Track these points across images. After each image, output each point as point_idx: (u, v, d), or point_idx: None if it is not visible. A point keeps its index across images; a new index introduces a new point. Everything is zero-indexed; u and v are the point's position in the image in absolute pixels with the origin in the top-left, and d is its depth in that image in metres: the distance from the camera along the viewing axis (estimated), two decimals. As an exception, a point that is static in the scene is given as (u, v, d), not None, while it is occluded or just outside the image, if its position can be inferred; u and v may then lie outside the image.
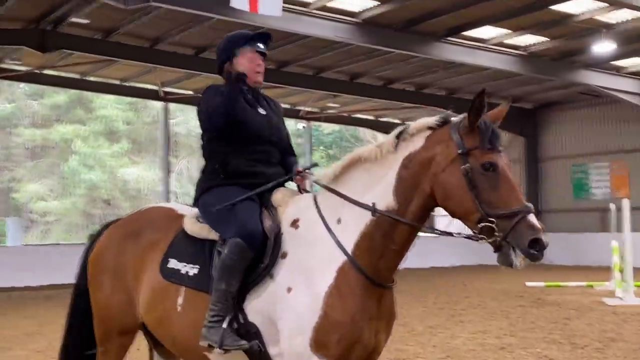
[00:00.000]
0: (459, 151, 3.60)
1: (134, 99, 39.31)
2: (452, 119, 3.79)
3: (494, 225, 3.50)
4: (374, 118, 35.38)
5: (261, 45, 4.34)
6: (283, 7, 14.58)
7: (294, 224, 3.89)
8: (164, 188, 32.98)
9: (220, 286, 3.74)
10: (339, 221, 3.78)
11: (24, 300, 18.17)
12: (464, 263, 28.42)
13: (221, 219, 3.95)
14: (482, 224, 3.54)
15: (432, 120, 3.82)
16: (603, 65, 25.97)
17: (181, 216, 4.32)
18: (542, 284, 19.60)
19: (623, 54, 24.23)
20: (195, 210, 4.25)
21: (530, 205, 3.57)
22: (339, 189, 3.89)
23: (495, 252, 3.60)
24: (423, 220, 3.82)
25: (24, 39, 22.19)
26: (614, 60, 25.34)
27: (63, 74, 28.31)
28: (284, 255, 3.81)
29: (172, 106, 32.64)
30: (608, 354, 9.34)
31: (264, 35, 4.42)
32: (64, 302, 17.54)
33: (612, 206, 18.40)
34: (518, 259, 3.52)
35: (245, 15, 17.31)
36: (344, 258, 3.69)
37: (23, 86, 42.06)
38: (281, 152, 4.37)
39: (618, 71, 27.01)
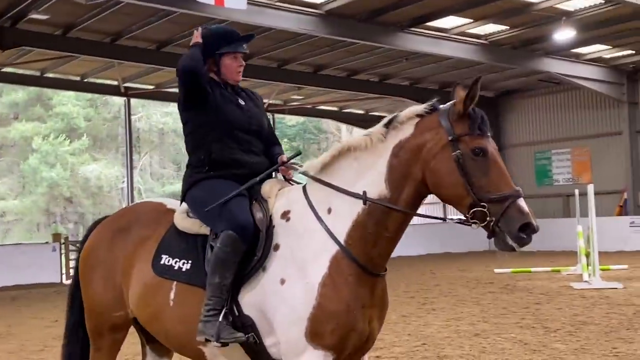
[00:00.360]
0: (450, 138, 3.63)
1: (95, 95, 39.04)
2: (441, 106, 3.80)
3: (486, 210, 3.53)
4: (338, 109, 35.45)
5: (242, 45, 4.40)
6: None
7: (285, 215, 3.90)
8: (128, 184, 32.74)
9: (214, 280, 3.75)
10: (329, 211, 3.79)
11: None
12: (430, 252, 28.69)
13: (212, 214, 3.94)
14: (475, 209, 3.58)
15: (421, 108, 3.82)
16: (563, 52, 26.28)
17: (171, 211, 4.34)
18: (509, 270, 19.75)
19: (582, 41, 24.50)
20: (184, 205, 4.26)
21: (519, 189, 3.62)
22: (328, 179, 3.89)
23: (489, 237, 3.63)
24: (416, 207, 3.85)
25: (-20, 36, 21.91)
26: (573, 47, 25.62)
27: (21, 71, 28.07)
28: (276, 248, 3.82)
29: (134, 102, 32.40)
30: (581, 336, 9.46)
31: (249, 37, 4.51)
32: (30, 302, 17.58)
33: (577, 191, 18.67)
34: (514, 244, 3.54)
35: (208, 9, 17.27)
36: (336, 248, 3.70)
37: (-22, 84, 41.57)
38: (264, 142, 4.39)
39: (578, 58, 27.34)
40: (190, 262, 4.01)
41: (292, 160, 4.29)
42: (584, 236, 16.65)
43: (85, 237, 4.70)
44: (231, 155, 4.18)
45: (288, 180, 4.38)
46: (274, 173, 4.32)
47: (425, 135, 3.71)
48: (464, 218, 3.70)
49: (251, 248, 3.84)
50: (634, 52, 26.74)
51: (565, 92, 30.49)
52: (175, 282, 4.02)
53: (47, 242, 27.12)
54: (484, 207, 3.54)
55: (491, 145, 3.70)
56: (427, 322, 11.05)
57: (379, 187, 3.74)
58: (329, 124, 46.17)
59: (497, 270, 19.95)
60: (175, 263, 4.05)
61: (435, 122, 3.72)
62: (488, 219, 3.54)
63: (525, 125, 32.54)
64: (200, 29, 4.37)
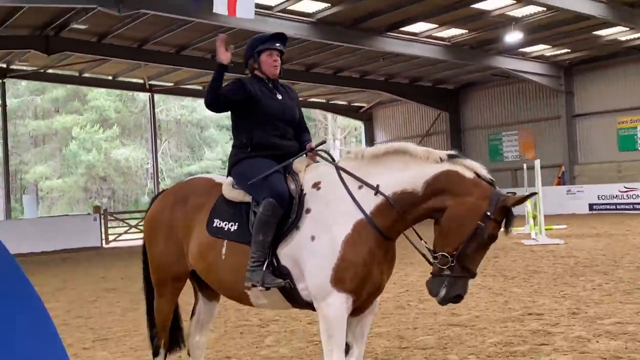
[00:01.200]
0: (487, 213, 3.57)
1: (123, 91, 38.88)
2: (497, 189, 3.71)
3: (450, 263, 3.59)
4: (325, 101, 35.48)
5: (277, 44, 4.30)
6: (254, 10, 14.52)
7: (316, 185, 3.92)
8: (153, 165, 32.76)
9: (258, 238, 3.79)
10: (360, 187, 3.79)
11: (45, 263, 17.98)
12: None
13: (255, 186, 3.97)
14: (446, 256, 3.61)
15: (485, 172, 3.73)
16: (512, 51, 26.36)
17: (219, 184, 4.33)
18: (470, 231, 19.80)
19: (528, 42, 24.63)
20: (230, 179, 4.26)
21: (476, 273, 3.71)
22: (369, 163, 3.88)
23: (431, 274, 3.74)
24: (424, 218, 3.84)
25: (31, 43, 21.85)
26: (521, 47, 25.75)
27: (62, 72, 28.02)
28: (308, 211, 3.84)
29: (157, 97, 32.34)
30: (533, 282, 9.60)
31: (280, 36, 4.36)
32: (78, 263, 17.60)
33: (525, 166, 18.86)
34: (439, 296, 3.65)
35: (220, 18, 17.25)
36: (361, 216, 3.71)
37: (25, 83, 41.27)
38: (295, 129, 4.37)
39: (524, 56, 27.44)
40: (237, 224, 4.02)
41: (317, 148, 4.23)
42: (531, 202, 16.82)
43: (150, 205, 4.70)
44: (269, 139, 4.18)
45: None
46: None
47: (476, 191, 3.63)
48: (430, 259, 3.77)
49: (287, 212, 3.87)
50: (569, 50, 26.82)
51: (513, 84, 30.66)
52: (226, 241, 4.03)
53: (89, 214, 27.18)
54: (452, 262, 3.59)
55: (494, 240, 3.70)
56: (407, 274, 11.09)
57: (414, 185, 3.70)
58: (316, 113, 46.08)
59: (460, 231, 20.09)
60: (225, 225, 4.06)
61: (488, 193, 3.63)
62: (445, 270, 3.60)
63: (481, 112, 32.64)
64: (222, 35, 4.26)
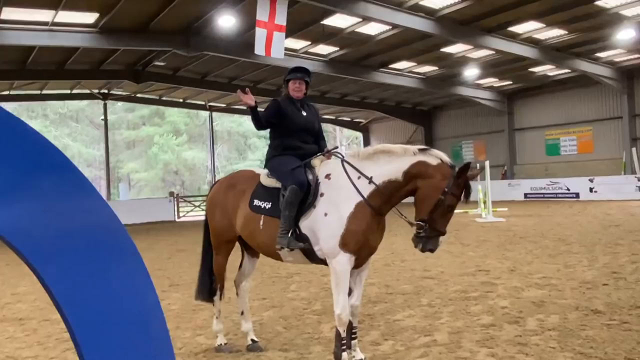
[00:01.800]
0: (446, 189, 3.54)
1: (191, 110, 38.96)
2: (456, 168, 3.63)
3: (424, 226, 3.56)
4: (334, 117, 35.39)
5: (299, 74, 4.27)
6: (284, 52, 14.55)
7: (327, 176, 3.91)
8: (211, 163, 32.93)
9: (285, 213, 3.83)
10: (359, 177, 3.77)
11: (134, 231, 18.06)
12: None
13: (284, 175, 3.98)
14: (420, 222, 3.59)
15: (446, 158, 3.68)
16: (470, 83, 26.20)
17: (258, 175, 4.33)
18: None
19: (482, 75, 24.45)
20: (266, 170, 4.26)
21: (446, 232, 3.64)
22: (364, 160, 3.84)
23: (415, 236, 3.65)
24: (405, 197, 3.77)
25: (125, 75, 21.99)
26: (476, 80, 25.58)
27: (147, 96, 28.18)
28: (322, 195, 3.84)
29: (214, 114, 32.39)
30: (483, 247, 9.63)
31: (302, 69, 4.34)
32: (158, 232, 17.77)
33: (478, 165, 18.75)
34: (419, 248, 3.62)
35: (260, 58, 17.23)
36: (360, 198, 3.70)
37: (121, 104, 41.54)
38: (314, 137, 4.34)
39: (478, 86, 27.24)
40: (270, 203, 4.03)
41: (332, 150, 4.17)
42: (482, 191, 16.79)
43: (210, 190, 4.69)
44: (295, 143, 4.18)
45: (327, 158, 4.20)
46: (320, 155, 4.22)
47: (437, 174, 3.60)
48: (411, 223, 3.68)
49: (306, 195, 3.87)
50: (511, 82, 26.59)
51: (470, 107, 30.25)
52: (262, 215, 4.05)
53: (165, 197, 27.34)
54: (426, 225, 3.56)
55: (455, 207, 3.63)
56: (393, 242, 11.08)
57: (397, 175, 3.68)
58: (328, 126, 45.95)
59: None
60: (262, 204, 4.08)
61: (447, 174, 3.58)
62: (420, 232, 3.58)
63: (447, 127, 32.28)
64: (239, 90, 4.15)
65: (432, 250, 3.63)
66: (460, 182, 3.59)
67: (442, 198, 3.55)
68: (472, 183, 3.73)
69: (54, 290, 1.55)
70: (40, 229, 1.53)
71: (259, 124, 4.17)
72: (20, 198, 1.50)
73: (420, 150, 3.73)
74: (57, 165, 1.59)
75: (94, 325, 1.61)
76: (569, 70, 23.25)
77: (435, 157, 3.68)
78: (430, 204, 3.58)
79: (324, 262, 3.87)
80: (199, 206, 26.33)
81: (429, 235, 3.58)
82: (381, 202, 3.74)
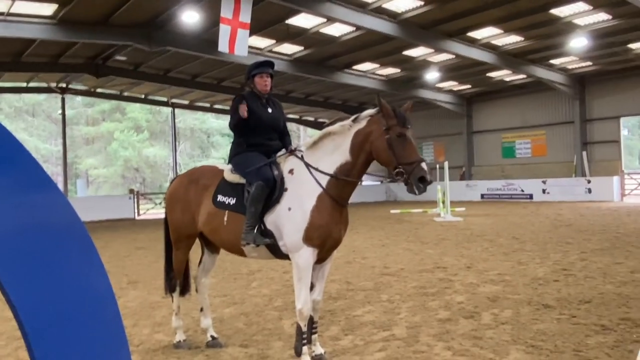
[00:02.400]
0: (384, 128, 3.58)
1: (153, 106, 38.20)
2: (381, 112, 3.67)
3: (402, 170, 3.52)
4: (298, 117, 35.32)
5: (265, 68, 4.20)
6: (247, 49, 14.42)
7: (291, 172, 3.88)
8: (173, 161, 32.34)
9: (251, 209, 3.78)
10: (316, 169, 3.76)
11: (92, 229, 17.53)
12: (351, 202, 28.88)
13: (249, 172, 3.91)
14: (397, 170, 3.54)
15: (372, 111, 3.73)
16: (430, 86, 26.59)
17: (221, 170, 4.27)
18: (398, 211, 20.06)
19: (442, 79, 24.85)
20: (229, 166, 4.18)
21: (422, 158, 3.56)
22: (313, 152, 3.85)
23: (405, 185, 3.59)
24: (365, 168, 3.78)
25: (85, 69, 21.36)
26: (437, 83, 25.98)
27: (108, 91, 27.40)
28: (286, 190, 3.81)
29: (177, 111, 31.78)
30: (441, 245, 9.77)
31: (269, 63, 4.28)
32: (117, 229, 17.33)
33: (437, 166, 19.11)
34: (416, 190, 3.52)
35: (224, 55, 17.07)
36: (320, 190, 3.70)
37: (80, 98, 40.38)
38: (279, 133, 4.28)
39: (439, 90, 27.71)
40: (235, 199, 3.98)
41: (294, 150, 4.03)
42: (441, 191, 17.07)
43: (170, 185, 4.59)
44: (259, 140, 4.13)
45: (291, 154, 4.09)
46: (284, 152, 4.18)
47: (372, 126, 3.65)
48: (393, 178, 3.62)
49: (271, 191, 3.83)
50: (470, 86, 27.16)
51: (430, 110, 30.42)
52: (227, 211, 3.99)
53: (125, 194, 26.69)
54: (400, 168, 3.52)
55: (408, 132, 3.58)
56: (353, 240, 11.16)
57: (345, 156, 3.70)
58: (292, 126, 45.85)
59: (392, 211, 20.26)
60: (226, 199, 4.02)
61: (378, 119, 3.64)
62: (405, 176, 3.52)
63: (408, 128, 32.73)
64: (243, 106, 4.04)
65: (425, 182, 3.48)
66: (389, 113, 3.62)
67: (388, 136, 3.56)
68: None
69: (6, 286, 1.50)
70: None
71: (237, 128, 4.11)
72: None
73: (353, 120, 3.77)
74: (15, 157, 1.54)
75: (46, 322, 1.57)
76: (525, 76, 23.92)
77: (364, 117, 3.74)
78: (385, 150, 3.57)
79: (287, 256, 3.84)
80: (160, 204, 25.83)
81: (409, 172, 3.49)
82: (339, 189, 3.72)
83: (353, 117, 3.81)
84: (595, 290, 5.67)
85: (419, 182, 3.49)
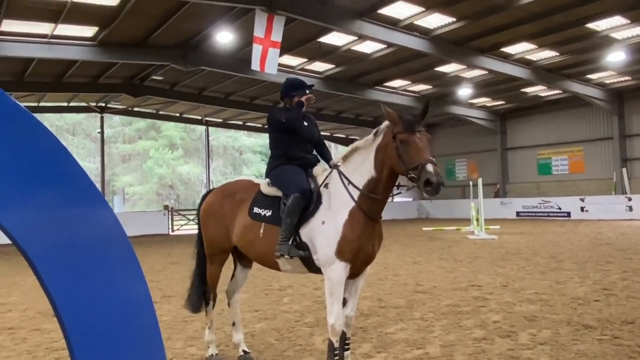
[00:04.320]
0: (391, 136, 3.54)
1: (187, 125, 38.98)
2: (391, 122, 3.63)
3: (414, 175, 3.40)
4: (330, 134, 35.43)
5: (306, 91, 4.28)
6: (277, 68, 14.65)
7: (326, 185, 3.87)
8: (207, 177, 32.85)
9: (287, 221, 3.77)
10: (349, 183, 3.74)
11: (131, 243, 17.97)
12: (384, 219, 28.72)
13: (287, 184, 3.93)
14: (409, 176, 3.45)
15: (388, 122, 3.69)
16: (463, 102, 26.39)
17: (257, 184, 4.29)
18: (431, 228, 19.82)
19: (475, 95, 24.66)
20: (267, 179, 4.20)
21: (429, 158, 3.37)
22: (346, 165, 3.84)
23: (421, 191, 3.45)
24: (391, 184, 3.72)
25: (123, 89, 22.03)
26: (470, 99, 25.78)
27: (144, 110, 28.15)
28: (321, 203, 3.79)
29: (210, 129, 32.36)
30: (475, 263, 9.61)
31: (306, 84, 4.34)
32: (151, 244, 17.56)
33: (471, 183, 18.84)
34: (425, 194, 3.41)
35: (257, 74, 17.37)
36: (353, 204, 3.67)
37: (118, 117, 41.59)
38: (315, 146, 4.30)
39: (471, 106, 27.48)
40: (271, 211, 3.98)
41: (335, 164, 3.96)
42: (475, 209, 16.82)
43: (202, 200, 4.62)
44: (298, 153, 4.15)
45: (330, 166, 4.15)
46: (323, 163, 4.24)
47: (386, 138, 3.61)
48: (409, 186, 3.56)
49: (307, 203, 3.83)
50: (504, 102, 26.86)
51: (463, 126, 30.42)
52: (263, 223, 3.99)
53: (160, 210, 27.19)
54: (411, 173, 3.42)
55: (414, 136, 3.44)
56: (386, 257, 11.09)
57: (371, 172, 3.68)
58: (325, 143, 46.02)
59: (424, 229, 20.03)
60: (262, 212, 4.02)
61: (389, 129, 3.60)
62: (416, 180, 3.39)
63: (440, 145, 31.94)
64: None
65: (430, 182, 3.32)
66: (394, 120, 3.56)
67: (396, 144, 3.50)
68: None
69: (54, 294, 1.55)
70: (48, 232, 1.55)
71: (306, 132, 4.15)
72: (33, 200, 1.51)
73: (374, 134, 3.74)
74: (71, 173, 1.61)
75: (90, 333, 1.61)
76: (561, 91, 23.50)
77: (382, 130, 3.70)
78: (395, 159, 3.51)
79: (321, 271, 3.81)
80: (193, 220, 26.20)
81: (420, 176, 3.37)
82: (372, 203, 3.69)
83: (374, 131, 3.79)
84: (638, 310, 5.46)
85: (425, 186, 3.33)
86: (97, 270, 1.64)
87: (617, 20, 15.50)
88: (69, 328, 1.56)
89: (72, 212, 1.59)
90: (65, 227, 1.56)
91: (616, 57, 18.19)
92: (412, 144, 3.43)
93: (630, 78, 22.16)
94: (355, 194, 3.73)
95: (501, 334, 4.80)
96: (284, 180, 4.00)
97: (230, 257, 4.62)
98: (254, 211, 4.09)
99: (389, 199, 3.79)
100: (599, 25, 15.94)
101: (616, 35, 16.65)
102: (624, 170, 23.84)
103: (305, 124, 4.24)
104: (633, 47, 17.55)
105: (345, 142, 37.59)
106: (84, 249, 1.61)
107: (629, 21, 15.53)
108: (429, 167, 3.32)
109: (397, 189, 30.41)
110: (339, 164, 3.93)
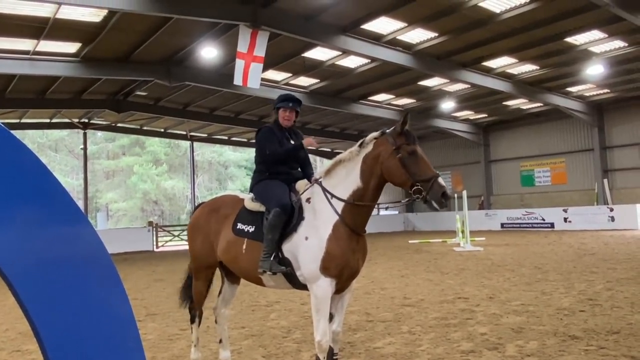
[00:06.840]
0: (393, 148, 3.57)
1: (172, 140, 38.81)
2: (387, 130, 3.72)
3: (420, 187, 3.47)
4: (316, 149, 35.49)
5: (290, 104, 4.23)
6: (261, 83, 14.68)
7: (309, 200, 3.87)
8: (191, 193, 32.63)
9: (268, 237, 3.75)
10: (332, 196, 3.75)
11: (114, 260, 17.70)
12: (369, 231, 28.68)
13: (268, 199, 3.92)
14: (414, 188, 3.50)
15: (376, 133, 3.75)
16: (446, 115, 26.63)
17: (241, 199, 4.27)
18: (417, 241, 19.84)
19: (458, 108, 24.93)
20: (250, 195, 4.19)
21: (438, 173, 3.50)
22: (329, 179, 3.84)
23: (424, 204, 3.53)
24: (378, 193, 3.74)
25: (106, 104, 21.88)
26: (453, 112, 26.03)
27: (128, 125, 27.95)
28: (303, 219, 3.78)
29: (195, 144, 32.27)
30: (461, 275, 9.61)
31: (295, 99, 4.30)
32: (135, 262, 17.28)
33: (456, 195, 18.94)
34: (438, 206, 3.47)
35: (241, 89, 17.42)
36: (336, 218, 3.67)
37: (101, 133, 41.28)
38: (301, 164, 4.32)
39: (455, 119, 27.71)
40: (254, 227, 3.97)
41: (317, 178, 3.99)
42: (460, 221, 16.88)
43: (192, 214, 4.60)
44: (282, 169, 4.15)
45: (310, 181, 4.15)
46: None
47: (379, 148, 3.64)
48: (410, 197, 3.59)
49: (289, 218, 3.81)
50: (486, 115, 27.16)
51: (447, 139, 30.71)
52: (245, 239, 3.98)
53: (144, 227, 26.89)
54: (417, 185, 3.47)
55: (419, 149, 3.57)
56: (373, 270, 11.07)
57: (357, 182, 3.69)
58: (310, 157, 46.10)
59: (410, 241, 20.05)
60: (246, 227, 4.00)
61: (385, 140, 3.64)
62: (423, 193, 3.46)
63: (424, 157, 32.64)
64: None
65: (446, 197, 3.44)
66: (398, 131, 3.61)
67: (400, 155, 3.53)
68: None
69: (33, 315, 1.52)
70: (26, 251, 1.51)
71: (281, 157, 4.15)
72: (10, 219, 1.48)
73: (359, 145, 3.77)
74: (49, 190, 1.58)
75: (70, 354, 1.58)
76: (542, 104, 23.86)
77: (369, 141, 3.73)
78: (398, 169, 3.54)
79: (305, 287, 3.79)
80: (178, 236, 25.95)
81: (428, 189, 3.44)
82: (355, 215, 3.69)
83: (359, 142, 3.80)
84: (623, 320, 5.50)
85: (442, 197, 3.44)
86: (77, 290, 1.60)
87: (595, 34, 15.83)
88: (49, 349, 1.52)
89: (51, 230, 1.56)
90: (44, 246, 1.54)
91: (595, 70, 18.55)
92: (421, 156, 3.53)
93: (609, 90, 22.60)
94: (339, 207, 3.72)
95: (488, 346, 4.79)
96: (266, 195, 3.98)
97: (218, 273, 4.58)
98: (238, 227, 4.06)
99: (374, 212, 3.79)
100: (577, 40, 16.26)
101: (594, 49, 16.99)
102: (605, 181, 24.19)
103: (292, 141, 4.24)
104: (611, 60, 17.92)
105: (330, 155, 37.62)
106: (64, 268, 1.58)
107: (606, 35, 15.87)
108: (442, 181, 3.48)
109: (386, 209, 30.53)
110: (320, 178, 3.93)
